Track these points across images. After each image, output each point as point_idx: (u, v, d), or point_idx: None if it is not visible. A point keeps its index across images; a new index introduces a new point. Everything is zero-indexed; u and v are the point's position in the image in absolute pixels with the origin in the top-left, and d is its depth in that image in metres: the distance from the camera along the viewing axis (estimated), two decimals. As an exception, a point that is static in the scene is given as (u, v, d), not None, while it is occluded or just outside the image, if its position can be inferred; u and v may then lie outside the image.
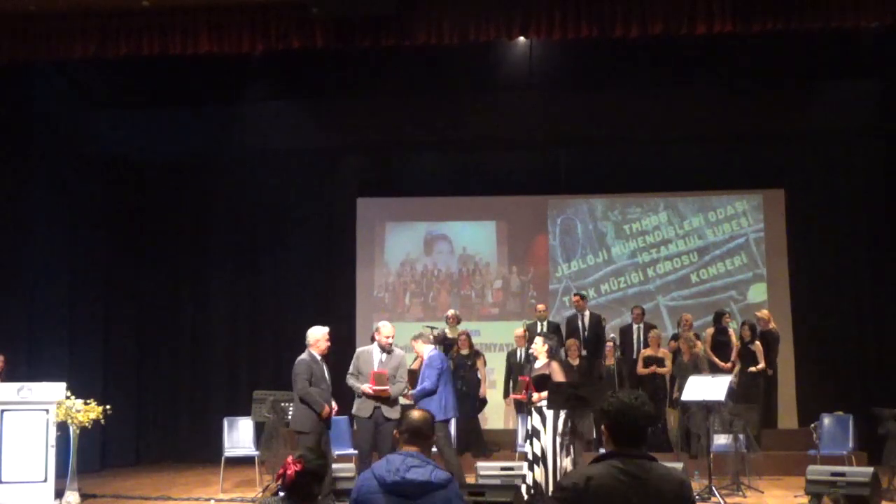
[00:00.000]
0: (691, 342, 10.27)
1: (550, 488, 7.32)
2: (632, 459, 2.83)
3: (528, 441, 7.61)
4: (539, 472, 7.42)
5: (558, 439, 7.46)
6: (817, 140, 11.99)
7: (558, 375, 7.64)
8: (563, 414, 7.54)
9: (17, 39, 8.77)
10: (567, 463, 7.49)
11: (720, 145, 12.31)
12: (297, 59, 10.04)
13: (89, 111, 11.25)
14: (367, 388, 7.66)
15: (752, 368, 10.41)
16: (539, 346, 7.84)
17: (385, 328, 7.97)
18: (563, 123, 11.37)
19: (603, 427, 2.93)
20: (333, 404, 7.77)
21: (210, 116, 11.54)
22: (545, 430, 7.49)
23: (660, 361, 10.73)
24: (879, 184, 11.76)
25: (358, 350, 8.29)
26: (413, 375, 8.95)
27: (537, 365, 7.80)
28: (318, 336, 7.84)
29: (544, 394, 7.53)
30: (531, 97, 11.16)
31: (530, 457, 7.53)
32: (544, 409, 7.53)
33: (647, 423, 2.93)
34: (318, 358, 7.83)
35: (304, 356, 7.80)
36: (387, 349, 7.87)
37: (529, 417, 7.68)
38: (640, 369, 10.77)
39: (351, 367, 7.99)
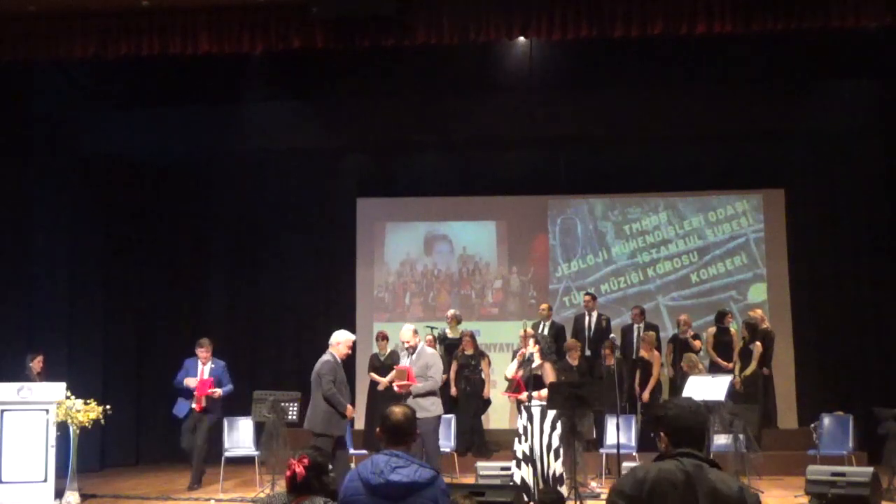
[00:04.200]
0: (691, 362, 10.20)
1: (537, 488, 7.35)
2: (692, 460, 2.87)
3: (518, 440, 7.64)
4: (527, 471, 7.44)
5: (545, 440, 7.48)
6: (817, 140, 11.98)
7: (550, 376, 7.66)
8: (550, 415, 7.56)
9: (17, 39, 8.78)
10: (556, 465, 7.51)
11: (720, 145, 12.30)
12: (297, 59, 10.04)
13: (89, 111, 11.25)
14: (384, 380, 7.96)
15: (743, 374, 10.33)
16: (531, 347, 7.89)
17: (402, 333, 8.24)
18: (563, 123, 11.35)
19: (661, 433, 3.00)
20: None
21: (210, 116, 11.53)
22: (533, 430, 7.51)
23: (648, 365, 10.67)
24: (879, 184, 11.76)
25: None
26: None
27: (534, 365, 7.84)
28: (341, 339, 7.95)
29: (525, 395, 7.56)
30: (531, 97, 11.16)
31: (519, 455, 7.56)
32: (532, 409, 7.56)
33: (702, 428, 3.00)
34: (339, 361, 7.90)
35: (328, 357, 7.85)
36: (409, 351, 8.09)
37: (519, 417, 7.71)
38: (645, 395, 10.63)
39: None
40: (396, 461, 3.46)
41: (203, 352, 9.67)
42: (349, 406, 7.83)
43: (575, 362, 10.42)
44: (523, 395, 7.65)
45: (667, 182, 12.51)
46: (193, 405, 9.51)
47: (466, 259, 12.87)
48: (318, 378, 7.73)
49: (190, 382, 9.49)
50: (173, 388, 9.60)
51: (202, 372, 9.63)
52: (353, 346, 8.25)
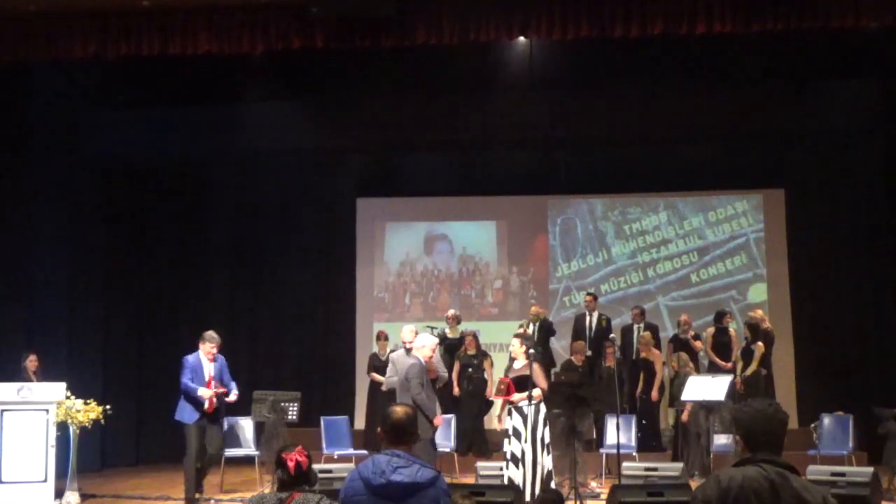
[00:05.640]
0: (682, 361, 10.21)
1: (529, 489, 7.36)
2: (774, 467, 2.82)
3: (508, 440, 7.64)
4: (519, 472, 7.45)
5: (539, 438, 7.49)
6: (817, 140, 11.98)
7: (539, 377, 7.65)
8: (542, 414, 7.57)
9: (17, 39, 8.78)
10: (547, 462, 7.52)
11: (720, 145, 12.30)
12: (297, 59, 10.05)
13: (89, 111, 11.25)
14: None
15: (744, 374, 10.31)
16: (517, 348, 7.85)
17: (404, 333, 8.31)
18: (563, 123, 11.35)
19: (737, 436, 2.94)
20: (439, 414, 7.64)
21: (210, 116, 11.52)
22: (526, 431, 7.51)
23: (650, 365, 10.68)
24: (879, 184, 11.75)
25: (392, 356, 8.48)
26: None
27: (517, 366, 7.82)
28: (426, 343, 7.75)
29: (523, 395, 7.55)
30: (531, 97, 11.15)
31: (509, 456, 7.57)
32: (524, 409, 7.56)
33: (782, 431, 2.91)
34: (424, 364, 7.64)
35: (414, 360, 7.65)
36: (409, 350, 8.06)
37: (510, 417, 7.70)
38: (654, 394, 10.61)
39: (388, 371, 8.28)
40: (398, 461, 3.46)
41: (213, 348, 8.45)
42: (438, 415, 7.46)
43: (579, 363, 10.42)
44: (515, 397, 7.63)
45: (667, 182, 12.51)
46: (204, 407, 8.35)
47: (466, 259, 12.88)
48: (405, 382, 7.51)
49: (204, 394, 8.24)
50: (174, 389, 9.32)
51: (209, 372, 8.44)
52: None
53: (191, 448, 8.28)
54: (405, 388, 7.44)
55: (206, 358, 8.42)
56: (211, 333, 8.49)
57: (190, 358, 8.43)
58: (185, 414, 8.32)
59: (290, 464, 3.58)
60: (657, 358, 10.72)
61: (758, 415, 2.91)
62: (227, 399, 8.50)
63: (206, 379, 8.34)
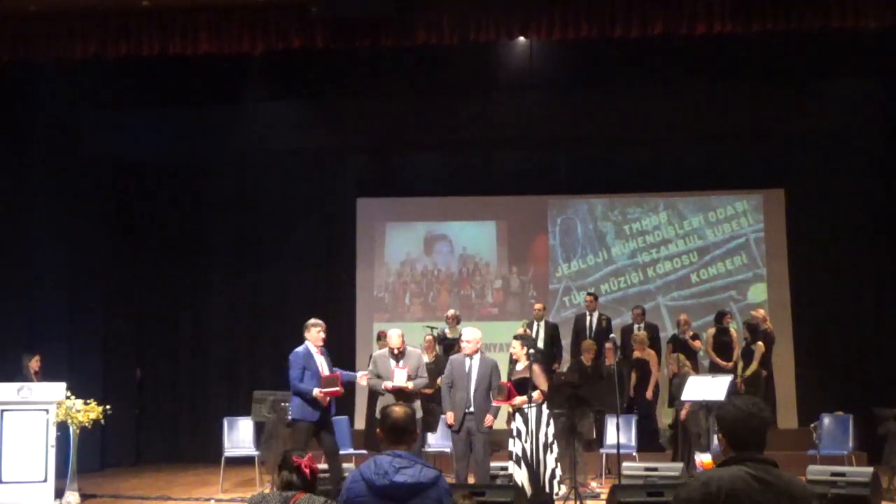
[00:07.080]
0: (681, 363, 10.21)
1: (531, 489, 7.37)
2: (759, 464, 2.80)
3: (513, 441, 7.66)
4: (522, 472, 7.46)
5: (542, 439, 7.50)
6: (817, 140, 11.98)
7: (539, 377, 7.65)
8: (545, 414, 7.57)
9: (17, 39, 8.78)
10: (551, 461, 7.53)
11: (720, 145, 12.30)
12: (297, 59, 10.05)
13: (89, 111, 11.25)
14: (388, 384, 8.05)
15: (744, 374, 10.31)
16: (518, 350, 7.85)
17: (392, 339, 8.32)
18: (563, 123, 11.35)
19: (720, 435, 2.91)
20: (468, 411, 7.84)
21: (210, 116, 11.52)
22: (529, 431, 7.51)
23: (645, 364, 10.67)
24: (879, 184, 11.75)
25: (374, 355, 8.67)
26: None
27: (518, 368, 7.82)
28: (470, 338, 8.02)
29: (524, 398, 7.54)
30: (531, 97, 11.15)
31: (520, 453, 7.58)
32: (526, 410, 7.56)
33: (765, 429, 2.90)
34: (465, 359, 7.94)
35: (452, 356, 8.05)
36: (399, 356, 8.20)
37: (513, 420, 7.71)
38: (649, 394, 10.63)
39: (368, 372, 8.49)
40: (400, 461, 3.45)
41: (321, 333, 7.83)
42: (448, 412, 7.89)
43: (589, 363, 10.41)
44: (517, 401, 7.62)
45: (667, 182, 12.51)
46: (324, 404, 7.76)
47: (466, 259, 12.88)
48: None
49: (318, 394, 7.63)
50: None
51: (322, 366, 7.82)
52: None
53: (298, 447, 7.24)
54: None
55: (315, 349, 7.81)
56: (315, 320, 7.90)
57: (300, 351, 7.79)
58: (307, 412, 7.69)
59: (306, 470, 3.56)
60: (651, 357, 10.71)
61: (740, 414, 2.88)
62: (356, 380, 8.38)
63: (321, 373, 7.72)
